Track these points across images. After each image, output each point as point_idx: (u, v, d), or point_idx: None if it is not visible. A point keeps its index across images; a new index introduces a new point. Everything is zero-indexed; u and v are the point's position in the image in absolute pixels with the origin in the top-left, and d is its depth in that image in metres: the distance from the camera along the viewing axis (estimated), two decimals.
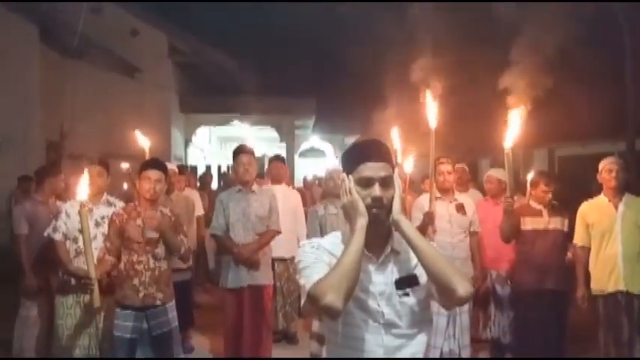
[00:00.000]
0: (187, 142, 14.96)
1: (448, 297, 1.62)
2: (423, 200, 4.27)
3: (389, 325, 1.69)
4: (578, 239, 3.94)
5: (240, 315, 4.09)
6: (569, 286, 4.06)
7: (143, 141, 5.55)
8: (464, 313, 4.16)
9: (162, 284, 3.43)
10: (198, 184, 8.50)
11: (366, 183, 1.69)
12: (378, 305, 1.69)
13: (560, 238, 4.15)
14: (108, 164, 3.83)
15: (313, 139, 19.71)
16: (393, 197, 1.70)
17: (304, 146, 20.09)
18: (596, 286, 3.82)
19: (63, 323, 3.53)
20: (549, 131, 11.37)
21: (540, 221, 4.19)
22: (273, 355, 4.45)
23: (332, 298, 1.51)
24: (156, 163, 3.51)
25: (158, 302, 3.40)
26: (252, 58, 16.80)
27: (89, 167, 3.52)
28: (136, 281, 3.34)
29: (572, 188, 7.91)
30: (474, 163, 14.20)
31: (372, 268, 1.72)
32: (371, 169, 1.69)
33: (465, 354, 4.18)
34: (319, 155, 21.09)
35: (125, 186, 6.80)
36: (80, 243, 3.53)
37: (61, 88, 11.27)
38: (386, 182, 1.69)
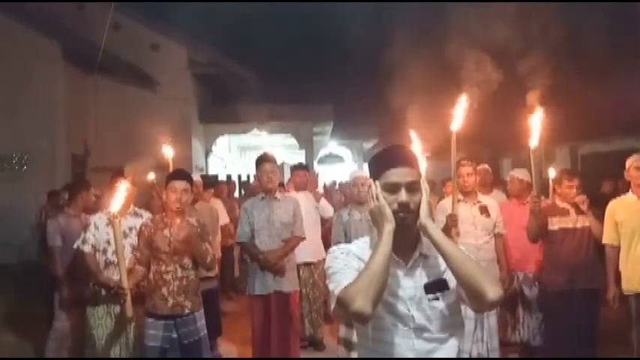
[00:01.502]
0: (208, 152, 15.10)
1: (478, 301, 1.62)
2: (446, 203, 4.25)
3: (420, 330, 1.69)
4: (607, 238, 3.88)
5: (267, 322, 4.13)
6: (600, 286, 3.99)
7: (167, 152, 5.68)
8: (492, 316, 4.12)
9: (191, 293, 3.48)
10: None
11: (392, 188, 1.70)
12: (408, 310, 1.69)
13: (589, 236, 4.09)
14: (133, 177, 3.89)
15: (331, 145, 19.71)
16: (420, 202, 1.70)
17: (323, 152, 20.10)
18: (627, 285, 3.75)
19: (95, 334, 3.60)
20: (571, 129, 11.21)
21: (568, 220, 4.14)
22: None
23: (361, 303, 1.52)
24: (182, 173, 3.58)
25: (187, 311, 3.45)
26: (269, 67, 16.95)
27: (113, 180, 3.60)
28: (164, 290, 3.40)
29: (595, 186, 7.79)
30: (497, 163, 14.06)
31: (401, 272, 1.73)
32: (397, 174, 1.70)
33: (494, 357, 4.14)
34: (338, 161, 21.08)
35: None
36: (109, 254, 3.61)
37: (84, 103, 11.51)
38: (412, 187, 1.70)
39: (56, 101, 10.35)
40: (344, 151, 20.39)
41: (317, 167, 17.18)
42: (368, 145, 19.48)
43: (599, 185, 7.93)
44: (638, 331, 3.68)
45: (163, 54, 12.98)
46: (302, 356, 4.59)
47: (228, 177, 12.53)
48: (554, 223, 4.16)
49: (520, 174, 4.89)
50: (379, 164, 1.77)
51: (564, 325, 4.07)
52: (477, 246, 4.16)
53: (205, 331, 3.57)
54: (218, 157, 16.44)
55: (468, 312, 4.31)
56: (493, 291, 1.58)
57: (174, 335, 3.43)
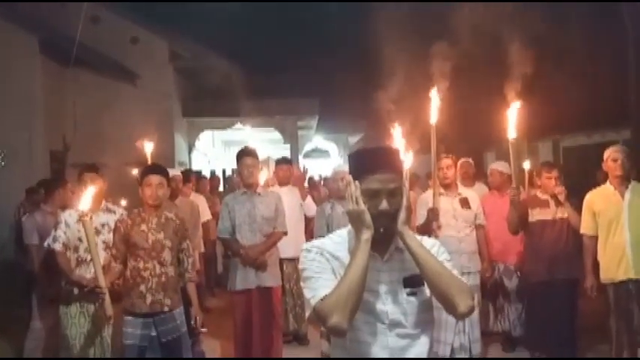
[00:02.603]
0: (191, 147, 14.97)
1: (449, 311, 1.63)
2: (427, 197, 4.25)
3: (394, 325, 1.67)
4: (585, 228, 3.92)
5: (249, 317, 4.09)
6: (580, 275, 4.03)
7: (146, 147, 5.59)
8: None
9: (170, 290, 3.42)
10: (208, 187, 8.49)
11: (373, 195, 1.65)
12: (384, 304, 1.68)
13: (568, 227, 4.12)
14: (102, 172, 3.82)
15: (317, 140, 19.65)
16: (399, 206, 1.67)
17: (308, 147, 20.03)
18: (605, 274, 3.80)
19: (69, 334, 3.53)
20: (553, 122, 11.30)
21: (548, 212, 4.18)
22: (285, 356, 4.44)
23: (338, 318, 1.52)
24: (156, 168, 3.51)
25: (166, 308, 3.38)
26: (252, 60, 16.81)
27: (82, 175, 3.53)
28: (142, 288, 3.33)
29: (578, 178, 7.87)
30: (480, 157, 14.14)
31: (377, 267, 1.70)
32: (379, 181, 1.65)
33: (476, 348, 4.16)
34: (324, 156, 21.03)
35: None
36: (81, 252, 3.55)
37: (62, 98, 11.30)
38: (394, 193, 1.66)
39: (34, 96, 10.13)
40: (330, 146, 20.34)
41: (302, 162, 17.13)
42: (353, 139, 19.46)
43: (580, 177, 8.02)
44: (616, 320, 3.72)
45: (144, 47, 12.81)
46: (285, 350, 4.57)
47: (212, 172, 12.40)
48: (534, 215, 4.19)
49: (500, 167, 4.92)
50: (361, 166, 1.71)
51: (544, 315, 4.11)
52: (459, 238, 4.18)
53: (185, 329, 3.52)
54: (202, 153, 16.30)
55: None
56: (465, 304, 1.59)
57: (154, 333, 3.36)
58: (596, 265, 3.90)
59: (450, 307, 1.59)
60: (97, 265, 2.85)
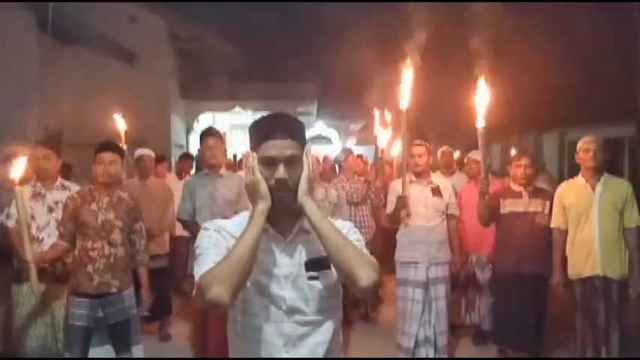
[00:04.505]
0: (189, 129, 14.92)
1: (350, 286, 1.50)
2: (397, 184, 4.12)
3: (292, 312, 1.56)
4: (555, 222, 3.76)
5: None
6: (550, 271, 3.88)
7: (120, 124, 5.50)
8: (440, 299, 4.03)
9: (119, 271, 3.34)
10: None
11: (269, 162, 1.54)
12: (282, 289, 1.57)
13: (541, 221, 3.97)
14: (57, 147, 3.72)
15: (319, 126, 19.51)
16: (300, 178, 1.56)
17: (311, 133, 19.89)
18: (572, 270, 3.65)
19: (19, 312, 3.46)
20: (559, 115, 11.11)
21: (520, 203, 4.02)
22: None
23: (217, 291, 1.39)
24: (109, 145, 3.40)
25: (114, 290, 3.30)
26: (252, 43, 16.64)
27: (34, 150, 3.43)
28: (89, 268, 3.25)
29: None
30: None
31: (278, 248, 1.60)
32: (275, 147, 1.54)
33: (441, 341, 4.04)
34: (326, 143, 20.89)
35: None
36: (33, 230, 3.45)
37: (59, 75, 11.24)
38: (292, 162, 1.55)
39: (29, 72, 10.08)
40: (332, 133, 20.20)
41: None
42: (355, 126, 19.28)
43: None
44: (582, 317, 3.59)
45: (143, 27, 12.70)
46: None
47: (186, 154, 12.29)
48: (506, 206, 4.04)
49: (476, 155, 4.74)
50: (257, 134, 1.60)
51: (512, 309, 3.98)
52: (428, 228, 4.05)
53: (135, 312, 3.43)
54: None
55: (415, 295, 4.19)
56: (366, 276, 1.46)
57: (100, 315, 3.29)
58: (565, 261, 3.75)
59: (351, 281, 1.47)
60: (25, 238, 2.77)
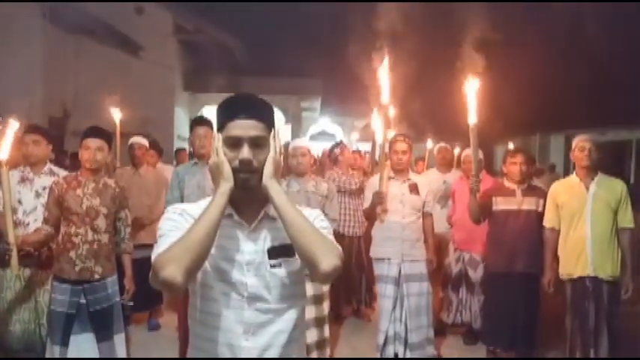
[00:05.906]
0: None
1: (311, 271, 1.46)
2: (375, 180, 4.06)
3: (254, 299, 1.52)
4: (547, 220, 3.69)
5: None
6: (540, 270, 3.82)
7: (115, 114, 5.48)
8: (412, 296, 3.92)
9: (102, 258, 3.31)
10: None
11: (234, 143, 1.50)
12: (244, 276, 1.52)
13: (534, 219, 3.90)
14: (47, 133, 3.70)
15: (324, 122, 19.47)
16: (265, 160, 1.52)
17: (315, 129, 19.85)
18: (563, 270, 3.58)
19: (3, 297, 3.44)
20: (567, 117, 11.03)
21: (513, 201, 3.96)
22: None
23: (171, 271, 1.34)
24: (96, 130, 3.36)
25: (97, 276, 3.28)
26: (257, 37, 16.58)
27: (24, 135, 3.41)
28: (72, 254, 3.23)
29: None
30: (490, 149, 13.82)
31: (242, 235, 1.55)
32: (240, 127, 1.50)
33: (415, 337, 3.87)
34: (330, 138, 20.83)
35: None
36: (19, 214, 3.43)
37: (64, 64, 11.26)
38: (257, 143, 1.51)
39: (35, 62, 10.09)
40: (336, 129, 20.14)
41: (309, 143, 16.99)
42: (360, 123, 19.22)
43: None
44: (572, 317, 3.52)
45: (148, 18, 12.69)
46: None
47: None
48: (499, 204, 3.97)
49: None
50: (222, 115, 1.56)
51: (502, 309, 3.92)
52: (403, 224, 3.96)
53: (118, 299, 3.41)
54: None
55: (387, 291, 4.12)
56: (327, 262, 1.41)
57: (83, 301, 3.27)
58: (556, 260, 3.68)
59: (312, 266, 1.43)
60: (8, 220, 2.75)
